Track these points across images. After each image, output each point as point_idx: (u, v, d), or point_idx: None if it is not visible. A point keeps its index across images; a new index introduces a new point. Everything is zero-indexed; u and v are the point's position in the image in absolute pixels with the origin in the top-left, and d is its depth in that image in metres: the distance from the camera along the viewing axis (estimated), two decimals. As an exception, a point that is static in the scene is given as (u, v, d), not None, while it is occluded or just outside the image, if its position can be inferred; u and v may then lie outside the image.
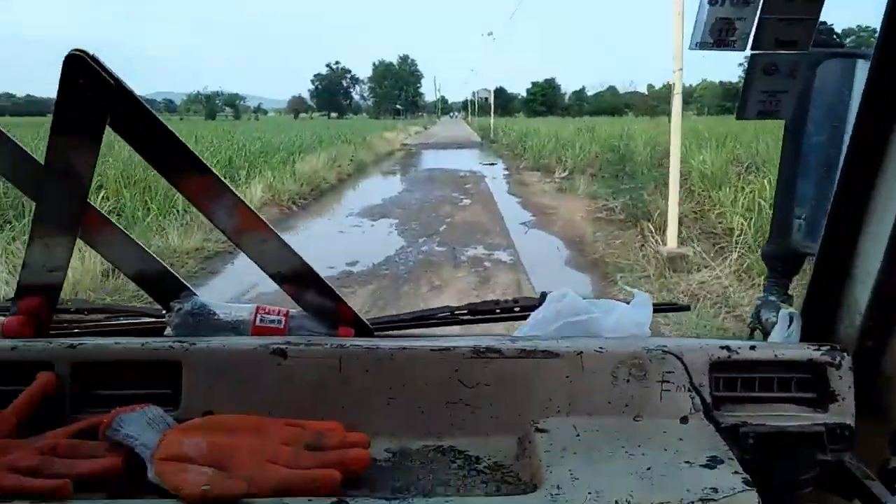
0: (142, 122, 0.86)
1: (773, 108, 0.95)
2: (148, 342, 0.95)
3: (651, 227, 7.96)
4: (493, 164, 21.35)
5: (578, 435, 0.88)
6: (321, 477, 0.76)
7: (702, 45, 0.90)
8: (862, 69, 0.96)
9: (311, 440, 0.82)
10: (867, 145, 0.88)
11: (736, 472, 0.79)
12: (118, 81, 0.82)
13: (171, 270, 1.08)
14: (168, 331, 1.06)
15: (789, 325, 1.05)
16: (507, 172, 18.37)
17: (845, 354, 0.96)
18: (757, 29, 0.88)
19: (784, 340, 1.04)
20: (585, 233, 9.09)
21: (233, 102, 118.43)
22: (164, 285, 1.08)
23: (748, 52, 0.91)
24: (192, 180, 0.92)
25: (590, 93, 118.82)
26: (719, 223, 8.86)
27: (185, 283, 1.09)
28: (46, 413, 0.86)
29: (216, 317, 1.06)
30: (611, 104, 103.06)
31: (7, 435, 0.80)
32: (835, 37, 1.23)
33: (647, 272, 6.65)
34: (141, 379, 0.93)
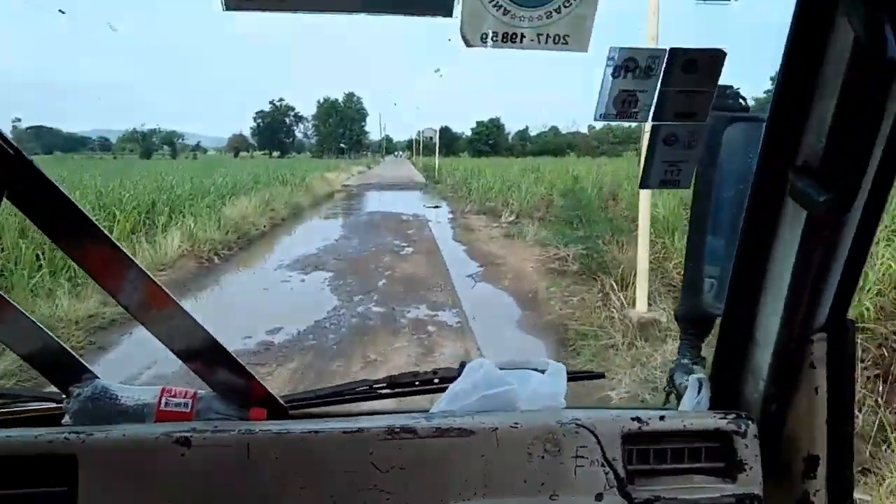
0: (42, 195, 0.83)
1: (674, 177, 0.98)
2: (42, 434, 0.88)
3: (613, 283, 7.17)
4: (437, 206, 20.52)
5: None
6: None
7: (605, 117, 0.92)
8: None
9: None
10: (762, 210, 0.90)
11: None
12: (18, 152, 0.80)
13: (71, 351, 1.01)
14: (66, 418, 0.97)
15: (699, 392, 1.07)
16: (451, 216, 17.57)
17: (750, 422, 0.98)
18: (657, 101, 0.91)
19: (693, 407, 1.05)
20: (538, 287, 8.27)
21: (170, 140, 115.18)
22: (63, 368, 1.00)
23: (650, 122, 0.93)
24: (93, 254, 0.88)
25: (533, 133, 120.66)
26: (677, 273, 8.21)
27: (85, 365, 1.01)
28: None
29: (119, 401, 0.98)
30: (554, 144, 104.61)
31: None
32: (741, 101, 1.16)
33: (614, 340, 5.82)
34: (34, 475, 0.86)
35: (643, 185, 0.97)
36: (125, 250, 0.88)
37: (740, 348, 1.01)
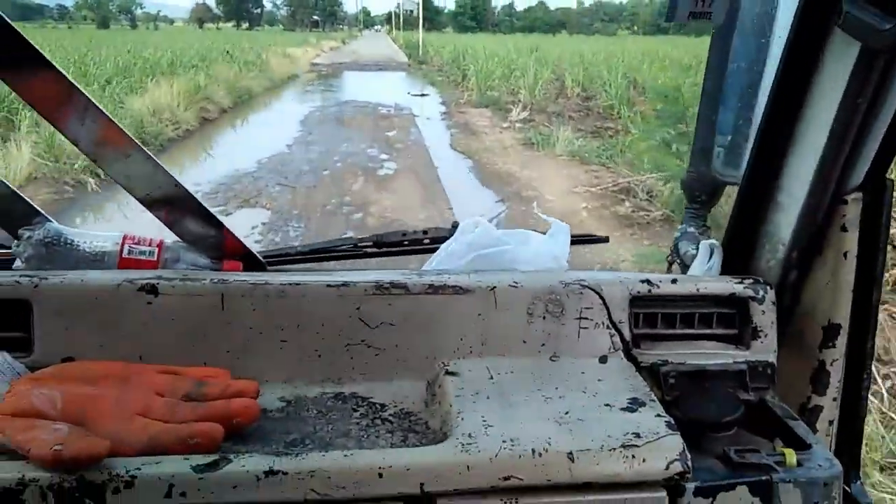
0: None
1: (705, 9, 0.91)
2: None
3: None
4: (424, 94, 16.44)
5: (492, 377, 0.83)
6: (199, 431, 0.66)
7: None
8: None
9: (189, 389, 0.72)
10: (804, 49, 0.82)
11: (658, 416, 0.76)
12: None
13: (21, 194, 0.92)
14: (18, 263, 0.90)
15: (710, 258, 1.02)
16: (444, 110, 13.69)
17: (768, 288, 0.94)
18: None
19: (704, 273, 1.01)
20: (614, 256, 4.85)
21: (128, 8, 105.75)
22: (12, 212, 0.91)
23: None
24: (36, 83, 0.78)
25: (519, 8, 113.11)
26: None
27: (37, 208, 0.93)
28: None
29: (75, 247, 0.90)
30: (543, 21, 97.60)
31: None
32: None
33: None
34: None
35: (669, 18, 0.91)
36: (76, 83, 0.78)
37: (761, 211, 0.95)
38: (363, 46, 48.83)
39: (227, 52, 19.07)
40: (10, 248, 0.91)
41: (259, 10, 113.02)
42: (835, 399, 0.94)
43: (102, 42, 22.87)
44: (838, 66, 0.78)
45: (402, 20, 78.70)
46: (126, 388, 0.69)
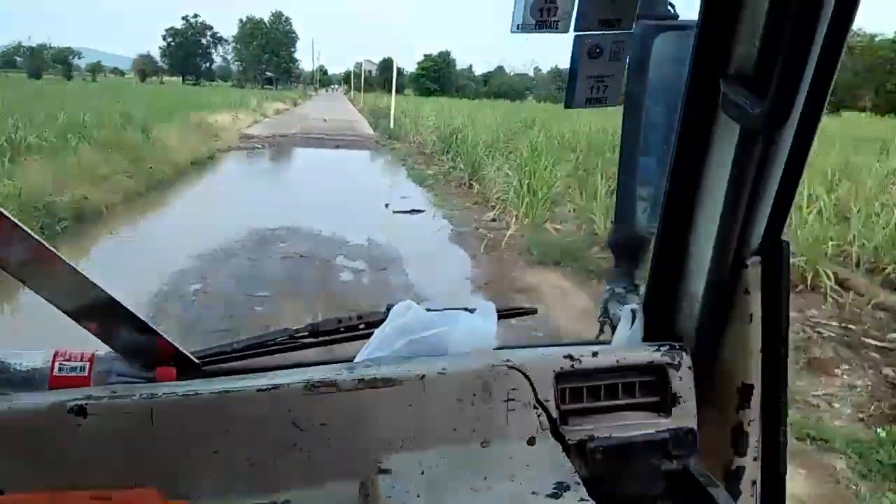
0: None
1: (601, 94, 0.93)
2: None
3: None
4: (417, 211, 9.57)
5: (423, 472, 0.83)
6: None
7: (523, 28, 0.85)
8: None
9: None
10: (694, 127, 0.87)
11: (582, 500, 0.77)
12: None
13: None
14: None
15: (632, 323, 1.03)
16: (476, 268, 6.83)
17: (684, 353, 0.95)
18: (578, 8, 0.86)
19: (627, 339, 1.03)
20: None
21: (64, 59, 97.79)
22: None
23: (572, 33, 0.88)
24: None
25: (477, 72, 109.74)
26: None
27: None
28: None
29: (5, 368, 0.88)
30: (509, 87, 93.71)
31: None
32: (670, 7, 1.00)
33: None
34: None
35: (568, 105, 0.92)
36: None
37: (673, 275, 0.97)
38: (317, 109, 41.76)
39: (83, 125, 11.51)
40: None
41: (208, 65, 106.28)
42: (755, 459, 0.95)
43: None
44: (724, 145, 0.82)
45: (362, 80, 73.13)
46: None
